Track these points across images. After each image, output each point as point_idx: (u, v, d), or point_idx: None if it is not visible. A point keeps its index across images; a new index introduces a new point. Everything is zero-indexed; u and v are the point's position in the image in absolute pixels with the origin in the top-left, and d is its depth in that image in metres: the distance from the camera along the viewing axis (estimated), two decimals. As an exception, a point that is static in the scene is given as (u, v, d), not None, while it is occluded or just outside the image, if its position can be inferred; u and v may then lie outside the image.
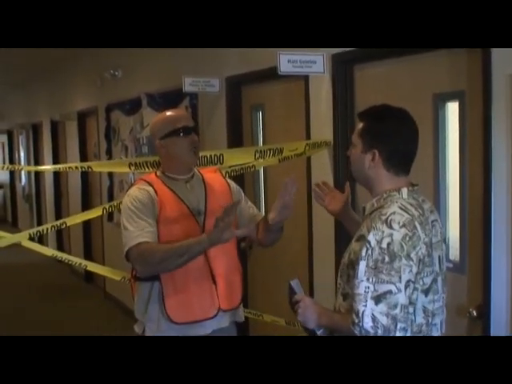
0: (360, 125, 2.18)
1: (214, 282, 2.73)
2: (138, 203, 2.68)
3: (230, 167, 3.47)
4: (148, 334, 2.73)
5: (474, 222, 2.75)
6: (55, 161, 9.85)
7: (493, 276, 2.61)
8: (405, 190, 2.10)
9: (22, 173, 12.96)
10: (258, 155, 3.48)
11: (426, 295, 2.05)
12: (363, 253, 1.99)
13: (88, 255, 8.51)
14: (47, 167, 8.77)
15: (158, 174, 2.82)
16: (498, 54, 2.50)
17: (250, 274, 4.65)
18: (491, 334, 2.61)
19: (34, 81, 10.31)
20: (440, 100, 2.96)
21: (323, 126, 3.62)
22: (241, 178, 3.98)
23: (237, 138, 4.65)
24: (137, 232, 2.62)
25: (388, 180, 2.13)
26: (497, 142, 2.56)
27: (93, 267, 4.82)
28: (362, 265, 1.98)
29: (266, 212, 4.52)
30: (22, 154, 13.02)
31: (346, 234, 3.60)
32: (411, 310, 2.00)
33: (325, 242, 3.71)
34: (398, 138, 2.11)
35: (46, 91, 10.22)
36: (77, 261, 4.68)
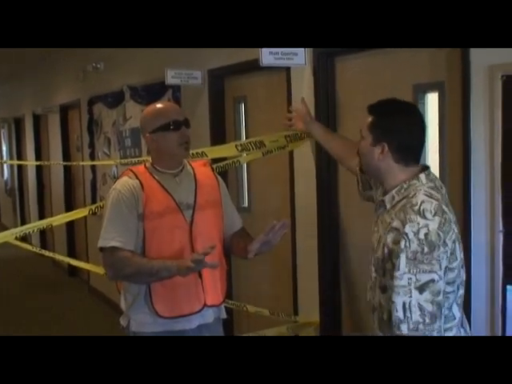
0: (369, 118, 2.26)
1: (200, 276, 2.71)
2: (121, 200, 2.66)
3: (215, 164, 3.48)
4: (133, 326, 2.72)
5: (454, 213, 2.79)
6: (38, 154, 9.81)
7: (472, 266, 2.66)
8: (423, 176, 2.19)
9: (5, 167, 12.89)
10: (239, 148, 3.50)
11: (463, 267, 2.19)
12: (402, 245, 2.05)
13: (71, 249, 8.49)
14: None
15: (148, 165, 2.78)
16: (477, 46, 2.54)
17: (233, 266, 4.67)
18: (471, 323, 2.66)
19: (16, 74, 10.24)
20: (420, 91, 2.99)
21: (305, 118, 3.64)
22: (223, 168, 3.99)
23: (220, 130, 4.66)
24: (113, 233, 2.63)
25: (399, 171, 2.21)
26: (475, 133, 2.60)
27: (76, 262, 4.85)
28: (403, 257, 2.05)
29: (249, 202, 4.56)
30: (3, 148, 12.94)
31: (328, 226, 3.65)
32: (450, 289, 2.11)
33: (308, 233, 3.74)
34: (405, 132, 2.21)
35: (27, 85, 10.16)
36: (59, 257, 4.67)
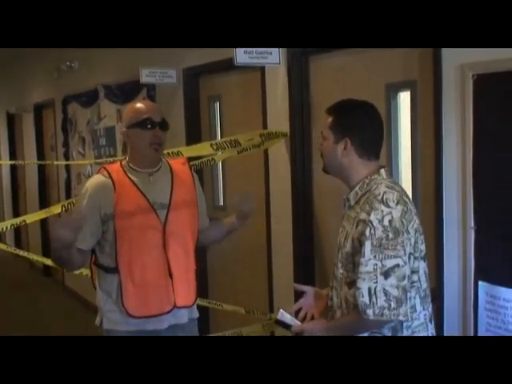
0: (329, 119, 2.29)
1: (171, 276, 2.71)
2: (87, 200, 2.70)
3: (190, 162, 3.48)
4: (105, 324, 2.73)
5: (426, 210, 2.82)
6: (12, 154, 9.73)
7: (445, 262, 2.69)
8: (383, 171, 2.24)
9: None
10: (215, 147, 3.50)
11: (425, 260, 2.20)
12: (367, 233, 2.08)
13: (46, 248, 8.42)
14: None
15: (124, 163, 2.78)
16: (448, 45, 2.58)
17: (209, 264, 4.67)
18: (444, 318, 2.70)
19: (-11, 73, 10.14)
20: (392, 90, 3.02)
21: (280, 116, 3.65)
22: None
23: (195, 128, 4.66)
24: None
25: (362, 166, 2.24)
26: (447, 131, 2.64)
27: (50, 262, 4.80)
28: (368, 244, 2.08)
29: (224, 201, 4.56)
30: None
31: (303, 224, 3.66)
32: (415, 278, 2.14)
33: (283, 231, 3.76)
34: (365, 126, 2.25)
35: (1, 84, 10.05)
36: (34, 257, 4.63)
